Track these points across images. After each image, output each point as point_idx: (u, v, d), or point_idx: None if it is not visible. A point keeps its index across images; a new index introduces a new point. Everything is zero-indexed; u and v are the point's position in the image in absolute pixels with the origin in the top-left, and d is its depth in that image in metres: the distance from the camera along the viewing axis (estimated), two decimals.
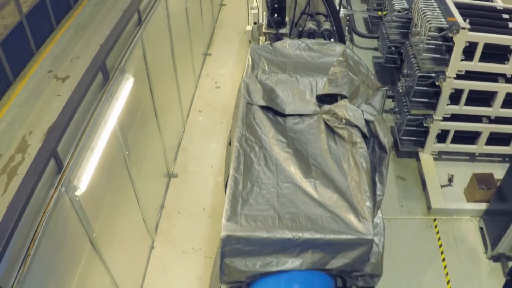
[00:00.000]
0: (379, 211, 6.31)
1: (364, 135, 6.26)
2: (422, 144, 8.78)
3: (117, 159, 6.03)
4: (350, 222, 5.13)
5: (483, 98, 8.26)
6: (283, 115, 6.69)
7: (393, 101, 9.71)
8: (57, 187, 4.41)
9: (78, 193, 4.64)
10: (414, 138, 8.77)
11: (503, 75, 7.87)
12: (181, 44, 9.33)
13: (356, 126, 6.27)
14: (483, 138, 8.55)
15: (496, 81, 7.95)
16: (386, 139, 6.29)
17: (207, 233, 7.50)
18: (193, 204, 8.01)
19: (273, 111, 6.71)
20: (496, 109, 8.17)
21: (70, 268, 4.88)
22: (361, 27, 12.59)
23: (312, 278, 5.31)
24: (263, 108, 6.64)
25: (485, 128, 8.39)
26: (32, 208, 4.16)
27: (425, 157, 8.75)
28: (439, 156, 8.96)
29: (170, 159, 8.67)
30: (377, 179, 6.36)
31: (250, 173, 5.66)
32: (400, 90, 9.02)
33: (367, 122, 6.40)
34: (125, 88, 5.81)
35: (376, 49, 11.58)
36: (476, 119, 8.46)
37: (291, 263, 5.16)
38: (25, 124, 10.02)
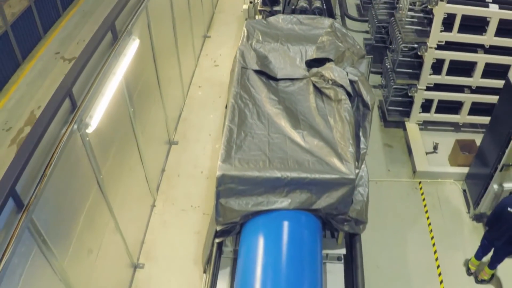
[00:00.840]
0: (363, 165, 6.88)
1: (348, 94, 6.82)
2: (408, 114, 9.33)
3: (123, 114, 6.62)
4: (334, 164, 5.64)
5: (464, 69, 8.81)
6: (275, 79, 7.23)
7: (381, 77, 10.28)
8: (70, 123, 4.96)
9: (89, 130, 5.19)
10: (400, 109, 9.33)
11: (482, 46, 8.47)
12: (182, 25, 9.93)
13: (341, 86, 6.83)
14: (466, 108, 9.10)
15: (475, 52, 8.54)
16: (369, 97, 6.85)
17: (205, 193, 8.02)
18: (192, 167, 8.58)
19: (266, 75, 7.26)
20: (476, 79, 8.72)
21: (79, 201, 5.41)
22: (353, 11, 13.20)
23: (300, 218, 5.80)
24: (257, 72, 7.20)
25: (467, 98, 8.93)
26: (49, 138, 4.71)
27: (411, 126, 9.28)
28: (425, 126, 9.50)
29: (171, 128, 9.25)
30: (361, 133, 6.90)
31: (243, 124, 6.19)
32: (388, 66, 9.58)
33: (351, 82, 6.97)
34: (132, 48, 6.39)
35: (367, 32, 12.17)
36: (458, 89, 9.05)
37: (280, 202, 5.68)
38: (33, 100, 10.64)
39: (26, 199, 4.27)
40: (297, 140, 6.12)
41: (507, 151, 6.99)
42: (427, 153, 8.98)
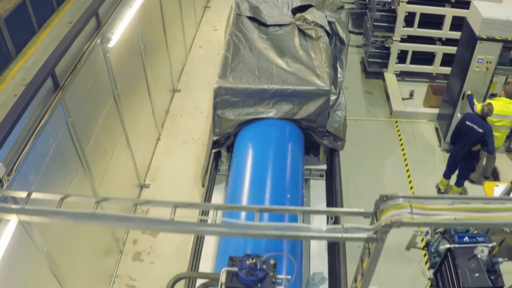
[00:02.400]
0: (342, 94, 7.96)
1: (327, 33, 7.95)
2: (386, 65, 10.42)
3: (135, 47, 7.74)
4: (312, 80, 6.74)
5: (435, 23, 9.88)
6: (266, 25, 8.34)
7: (363, 38, 11.38)
8: (95, 37, 6.07)
9: (110, 45, 6.29)
10: (379, 60, 10.42)
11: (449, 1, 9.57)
12: None
13: (321, 26, 7.96)
14: (438, 59, 10.13)
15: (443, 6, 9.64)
16: (344, 35, 8.03)
17: (205, 128, 9.07)
18: (193, 109, 9.68)
19: (258, 22, 8.38)
20: (445, 31, 9.79)
21: (98, 106, 6.48)
22: None
23: (285, 126, 6.87)
24: (250, 18, 8.31)
25: (438, 49, 9.99)
26: (79, 45, 5.80)
27: (389, 76, 10.36)
28: (402, 77, 10.57)
29: (175, 79, 10.42)
30: (338, 65, 8.06)
31: (237, 54, 7.29)
32: (368, 25, 10.68)
33: (329, 23, 8.14)
34: None
35: (352, 3, 13.29)
36: (431, 42, 10.11)
37: (267, 112, 6.76)
38: None
39: (62, 81, 5.36)
40: (282, 65, 7.24)
41: (466, 79, 8.07)
42: (403, 99, 10.03)
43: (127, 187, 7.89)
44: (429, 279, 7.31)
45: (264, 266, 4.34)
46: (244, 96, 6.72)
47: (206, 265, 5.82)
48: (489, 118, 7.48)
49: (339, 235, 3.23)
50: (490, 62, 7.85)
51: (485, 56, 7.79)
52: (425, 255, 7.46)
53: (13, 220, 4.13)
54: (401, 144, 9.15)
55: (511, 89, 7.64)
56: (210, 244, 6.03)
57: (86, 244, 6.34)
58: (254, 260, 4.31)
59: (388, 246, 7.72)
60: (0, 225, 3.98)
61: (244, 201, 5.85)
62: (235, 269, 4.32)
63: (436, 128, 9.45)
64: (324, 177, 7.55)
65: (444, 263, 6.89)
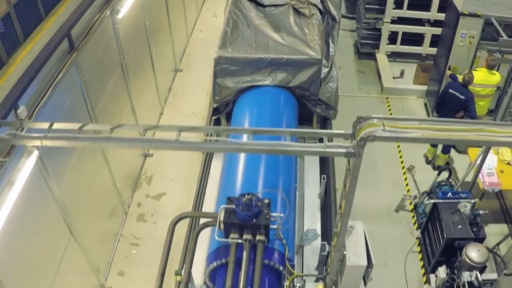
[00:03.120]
0: (333, 67, 8.45)
1: (320, 10, 8.46)
2: (377, 47, 10.93)
3: (141, 25, 8.27)
4: (305, 50, 7.24)
5: (422, 5, 10.37)
6: (262, 5, 8.85)
7: (356, 22, 11.92)
8: (106, 8, 6.59)
9: (119, 16, 6.82)
10: (371, 42, 10.94)
11: None
12: None
13: (314, 5, 8.47)
14: (427, 40, 10.64)
15: None
16: (336, 12, 8.55)
17: (205, 104, 9.58)
18: (195, 87, 10.22)
19: (255, 2, 8.90)
20: (433, 13, 10.31)
21: (107, 72, 7.00)
22: None
23: (280, 93, 7.37)
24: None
25: (427, 30, 10.51)
26: (89, 18, 6.31)
27: (381, 56, 10.89)
28: (393, 58, 11.09)
29: (177, 60, 11.01)
30: (330, 41, 8.56)
31: (236, 29, 7.79)
32: (360, 9, 11.20)
33: (322, 1, 8.63)
34: None
35: None
36: (420, 24, 10.61)
37: (264, 80, 7.26)
38: None
39: (76, 44, 5.87)
40: (277, 39, 7.74)
41: (451, 54, 8.56)
42: (394, 78, 10.54)
43: (132, 154, 8.41)
44: (417, 238, 7.78)
45: (259, 203, 4.84)
46: (242, 65, 7.23)
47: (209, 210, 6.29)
48: (473, 88, 7.98)
49: (322, 149, 3.73)
50: (473, 37, 8.37)
51: (467, 31, 8.31)
52: (413, 217, 7.93)
53: (33, 155, 4.64)
54: None
55: (493, 61, 8.13)
56: (212, 189, 6.47)
57: (94, 204, 6.83)
58: (249, 197, 4.81)
59: (379, 209, 8.27)
60: (21, 160, 4.49)
61: (242, 157, 6.36)
62: (233, 206, 4.81)
63: (425, 104, 9.95)
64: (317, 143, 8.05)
65: (429, 220, 7.36)
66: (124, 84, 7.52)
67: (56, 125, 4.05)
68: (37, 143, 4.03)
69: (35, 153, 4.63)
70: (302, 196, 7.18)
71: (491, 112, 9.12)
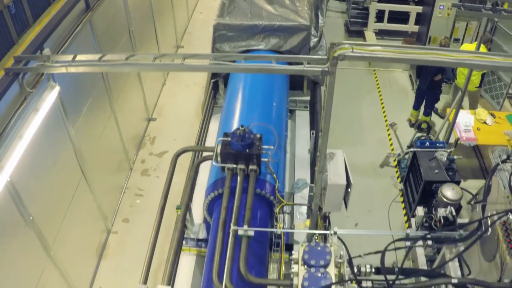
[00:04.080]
0: (323, 37, 9.14)
1: None
2: (366, 25, 11.65)
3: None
4: (295, 18, 8.01)
5: None
6: None
7: (346, 3, 12.66)
8: None
9: None
10: (360, 20, 11.66)
11: None
12: None
13: None
14: (412, 18, 11.35)
15: None
16: None
17: (204, 75, 10.15)
18: (190, 84, 10.84)
19: None
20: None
21: (117, 38, 7.68)
22: None
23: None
24: None
25: (412, 9, 11.21)
26: None
27: (369, 33, 11.60)
28: (381, 36, 11.79)
29: (179, 37, 11.75)
30: (319, 13, 9.25)
31: (233, 2, 8.51)
32: None
33: None
34: None
35: None
36: (406, 3, 11.33)
37: (258, 45, 8.00)
38: None
39: (92, 4, 6.57)
40: (270, 10, 8.49)
41: (431, 25, 9.26)
42: None
43: (137, 119, 9.11)
44: (400, 190, 8.44)
45: (252, 136, 5.49)
46: (238, 31, 7.96)
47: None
48: None
49: (302, 68, 4.42)
50: (450, 9, 9.07)
51: (445, 3, 9.01)
52: (396, 171, 8.59)
53: (54, 90, 5.30)
54: (378, 88, 10.34)
55: (487, 37, 8.76)
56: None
57: (103, 156, 7.50)
58: (243, 129, 5.47)
59: (365, 165, 8.93)
60: (45, 92, 5.16)
61: (239, 101, 7.03)
62: (228, 139, 5.47)
63: (410, 75, 10.65)
64: (308, 109, 8.75)
65: (410, 171, 8.01)
66: (131, 50, 8.22)
67: (78, 57, 4.73)
68: (63, 70, 4.71)
69: (57, 88, 5.31)
70: (294, 153, 7.88)
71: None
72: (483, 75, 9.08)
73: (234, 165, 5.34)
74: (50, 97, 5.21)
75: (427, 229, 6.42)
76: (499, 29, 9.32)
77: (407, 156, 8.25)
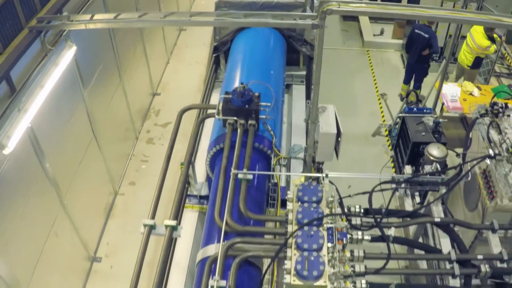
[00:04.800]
0: None
1: None
2: None
3: None
4: None
5: None
6: None
7: None
8: None
9: None
10: None
11: None
12: None
13: None
14: (404, 1, 11.87)
15: None
16: None
17: (205, 55, 10.71)
18: (197, 41, 11.55)
19: None
20: None
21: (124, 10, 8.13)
22: None
23: (270, 32, 8.58)
24: None
25: None
26: None
27: (363, 18, 12.12)
28: (375, 20, 12.29)
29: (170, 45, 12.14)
30: None
31: None
32: None
33: None
34: None
35: None
36: None
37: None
38: None
39: None
40: None
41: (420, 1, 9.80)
42: (374, 35, 11.77)
43: (143, 93, 9.66)
44: (391, 156, 8.92)
45: (251, 93, 5.98)
46: (238, 8, 8.44)
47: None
48: (471, 42, 9.08)
49: (294, 22, 4.93)
50: None
51: None
52: (388, 140, 9.09)
53: (72, 50, 5.82)
54: (371, 66, 10.87)
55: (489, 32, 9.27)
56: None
57: (112, 124, 8.00)
58: (243, 86, 5.95)
59: (358, 134, 9.43)
60: (64, 50, 5.67)
61: (238, 73, 7.53)
62: (230, 96, 5.95)
63: (401, 55, 11.18)
64: (304, 83, 9.25)
65: (399, 137, 8.50)
66: (139, 33, 8.89)
67: (96, 16, 5.25)
68: (82, 26, 5.23)
69: (74, 48, 5.83)
70: (290, 123, 8.38)
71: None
72: (478, 58, 9.62)
73: (235, 118, 5.82)
74: (68, 55, 5.74)
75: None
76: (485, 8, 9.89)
77: (397, 126, 8.75)
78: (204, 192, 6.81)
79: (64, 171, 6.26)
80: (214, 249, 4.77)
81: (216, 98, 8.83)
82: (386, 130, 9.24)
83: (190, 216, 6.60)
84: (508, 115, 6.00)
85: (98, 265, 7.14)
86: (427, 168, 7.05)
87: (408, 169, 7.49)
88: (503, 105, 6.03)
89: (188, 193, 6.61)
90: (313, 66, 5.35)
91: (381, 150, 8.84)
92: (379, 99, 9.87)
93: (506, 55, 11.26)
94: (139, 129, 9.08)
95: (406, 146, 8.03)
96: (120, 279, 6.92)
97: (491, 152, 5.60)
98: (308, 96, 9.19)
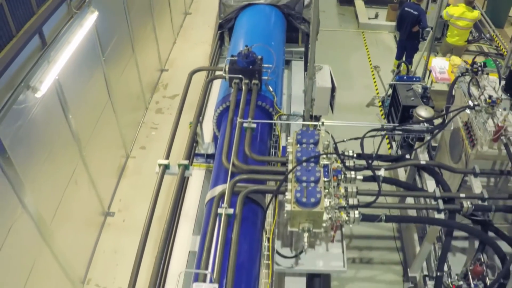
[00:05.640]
0: None
1: None
2: None
3: None
4: None
5: None
6: None
7: None
8: None
9: None
10: None
11: None
12: None
13: None
14: None
15: None
16: None
17: (210, 35, 11.46)
18: (202, 24, 12.25)
19: None
20: None
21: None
22: None
23: (271, 10, 9.23)
24: None
25: None
26: None
27: (358, 2, 12.88)
28: (370, 5, 13.00)
29: (187, 5, 13.04)
30: None
31: None
32: None
33: None
34: None
35: None
36: None
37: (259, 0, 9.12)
38: None
39: None
40: None
41: None
42: (369, 18, 12.44)
43: (152, 69, 10.32)
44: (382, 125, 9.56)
45: (254, 55, 6.60)
46: None
47: None
48: (454, 21, 9.73)
49: None
50: None
51: None
52: (381, 110, 9.72)
53: (94, 15, 6.46)
54: (366, 46, 11.55)
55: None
56: None
57: (125, 92, 8.63)
58: (247, 48, 6.57)
59: (353, 105, 10.10)
60: (87, 14, 6.32)
61: (242, 41, 8.16)
62: (235, 58, 6.58)
63: (395, 36, 11.85)
64: (303, 59, 9.89)
65: (391, 105, 9.12)
66: (150, 12, 9.57)
67: None
68: None
69: (95, 13, 6.49)
70: (290, 94, 9.00)
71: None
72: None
73: (240, 76, 6.44)
74: (91, 19, 6.44)
75: (405, 147, 7.57)
76: None
77: (389, 96, 9.40)
78: (210, 151, 7.43)
79: (83, 125, 6.89)
80: (222, 188, 5.18)
81: (217, 82, 9.52)
82: (379, 101, 9.88)
83: (198, 173, 7.23)
84: (487, 73, 6.67)
85: (111, 219, 7.78)
86: (416, 128, 7.71)
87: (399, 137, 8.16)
88: (482, 64, 6.67)
89: (196, 152, 7.24)
90: (310, 26, 5.97)
91: (374, 118, 9.48)
92: (373, 74, 10.54)
93: (494, 37, 11.94)
94: (149, 100, 9.73)
95: (397, 111, 8.65)
96: (132, 231, 7.60)
97: (470, 103, 6.24)
98: (306, 70, 9.87)
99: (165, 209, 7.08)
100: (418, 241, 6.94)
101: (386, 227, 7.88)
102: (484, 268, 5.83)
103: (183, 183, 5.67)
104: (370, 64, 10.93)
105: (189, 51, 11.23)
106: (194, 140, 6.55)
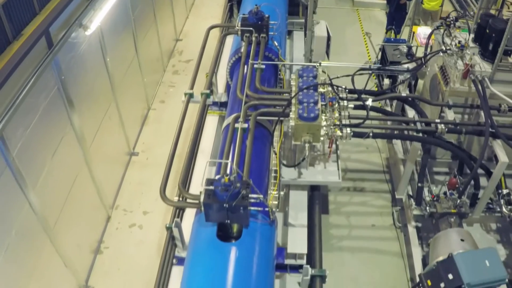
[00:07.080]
0: None
1: None
2: None
3: None
4: None
5: None
6: None
7: None
8: None
9: None
10: None
11: None
12: None
13: None
14: None
15: None
16: None
17: (220, 11, 12.51)
18: (211, 2, 13.36)
19: None
20: None
21: None
22: None
23: None
24: None
25: None
26: None
27: None
28: None
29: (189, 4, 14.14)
30: None
31: None
32: None
33: None
34: None
35: None
36: None
37: None
38: None
39: None
40: None
41: None
42: None
43: (169, 38, 11.53)
44: (375, 83, 10.75)
45: (262, 13, 7.72)
46: None
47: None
48: None
49: None
50: None
51: None
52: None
53: None
54: (360, 22, 12.79)
55: None
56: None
57: (148, 56, 9.80)
58: (256, 7, 7.72)
59: (347, 68, 11.06)
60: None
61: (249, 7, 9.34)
62: (246, 15, 7.75)
63: (386, 13, 13.06)
64: (303, 30, 11.09)
65: (381, 64, 10.30)
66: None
67: None
68: None
69: None
70: (292, 59, 10.16)
71: None
72: None
73: (251, 29, 7.56)
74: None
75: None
76: None
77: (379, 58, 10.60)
78: (223, 99, 8.58)
79: (116, 74, 8.11)
80: (236, 114, 6.10)
81: (230, 42, 10.69)
82: (371, 63, 11.10)
83: (212, 119, 8.38)
84: (459, 27, 7.87)
85: (136, 158, 9.00)
86: (401, 77, 8.91)
87: (386, 81, 9.36)
88: (454, 17, 7.88)
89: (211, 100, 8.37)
90: None
91: (365, 77, 10.65)
92: (365, 41, 11.77)
93: None
94: (166, 64, 10.96)
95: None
96: (154, 167, 8.83)
97: (443, 48, 7.44)
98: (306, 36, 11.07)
99: (185, 148, 8.25)
100: (403, 167, 8.08)
101: (377, 164, 9.00)
102: (458, 181, 7.01)
103: (204, 109, 6.79)
104: (363, 35, 12.15)
105: (200, 24, 12.30)
106: (211, 82, 7.69)
